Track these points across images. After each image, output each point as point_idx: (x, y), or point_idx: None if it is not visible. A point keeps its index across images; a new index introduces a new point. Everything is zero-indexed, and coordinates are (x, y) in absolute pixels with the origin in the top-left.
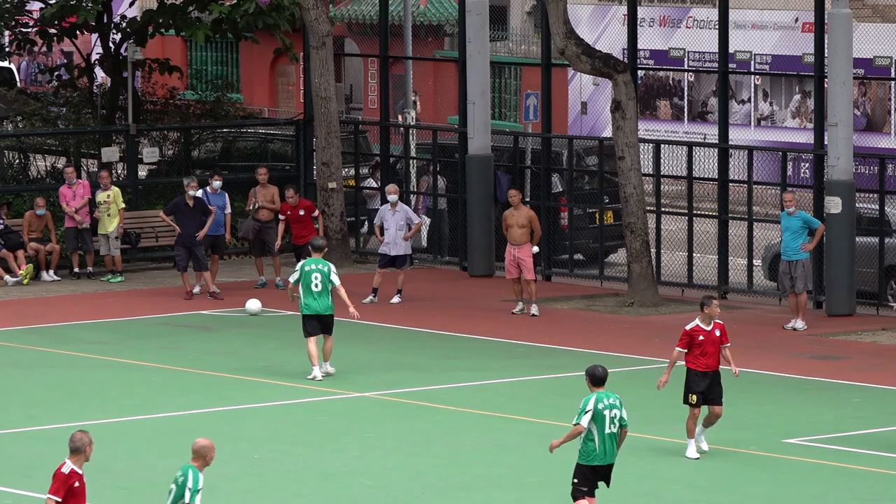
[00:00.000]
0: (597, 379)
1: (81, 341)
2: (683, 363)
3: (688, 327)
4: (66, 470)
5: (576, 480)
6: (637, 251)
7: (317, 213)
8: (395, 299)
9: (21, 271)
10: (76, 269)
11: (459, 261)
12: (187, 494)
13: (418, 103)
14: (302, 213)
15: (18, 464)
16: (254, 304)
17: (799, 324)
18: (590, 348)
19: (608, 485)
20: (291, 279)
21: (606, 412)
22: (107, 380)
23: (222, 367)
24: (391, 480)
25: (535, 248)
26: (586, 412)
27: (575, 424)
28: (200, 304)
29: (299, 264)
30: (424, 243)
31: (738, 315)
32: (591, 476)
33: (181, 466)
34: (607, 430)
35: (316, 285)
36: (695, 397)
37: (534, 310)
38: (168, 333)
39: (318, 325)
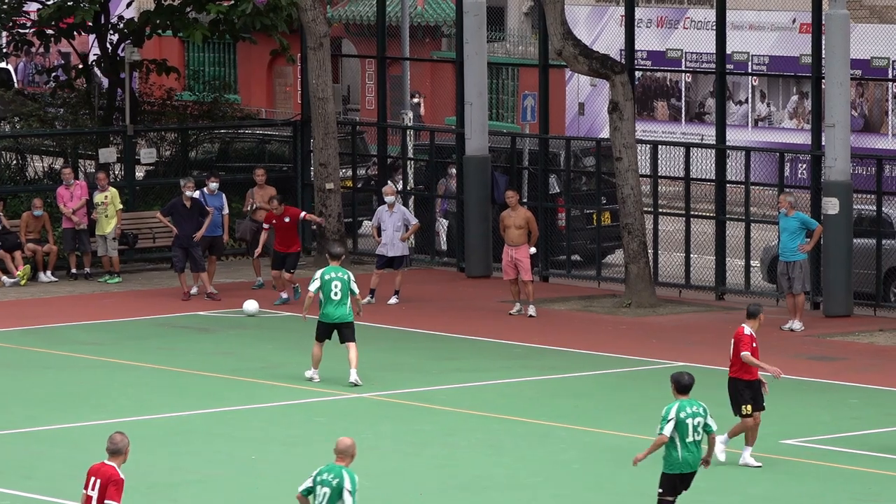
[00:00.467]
0: (682, 387)
1: (79, 342)
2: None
3: (747, 332)
4: (122, 475)
5: (661, 490)
6: (634, 252)
7: (303, 214)
8: (393, 300)
9: (18, 272)
10: (73, 270)
11: (457, 262)
12: (346, 496)
13: (422, 105)
14: (287, 220)
15: (17, 465)
16: (251, 305)
17: (796, 324)
18: (587, 349)
19: (686, 489)
20: (311, 288)
21: (689, 420)
22: (104, 381)
23: (219, 368)
24: (388, 481)
25: (533, 249)
26: (668, 421)
27: (659, 434)
28: (198, 305)
29: (318, 272)
30: (444, 246)
31: (736, 316)
32: (677, 485)
33: (327, 468)
34: (689, 439)
35: (336, 293)
36: (749, 407)
37: (531, 311)
38: (165, 334)
39: (330, 332)
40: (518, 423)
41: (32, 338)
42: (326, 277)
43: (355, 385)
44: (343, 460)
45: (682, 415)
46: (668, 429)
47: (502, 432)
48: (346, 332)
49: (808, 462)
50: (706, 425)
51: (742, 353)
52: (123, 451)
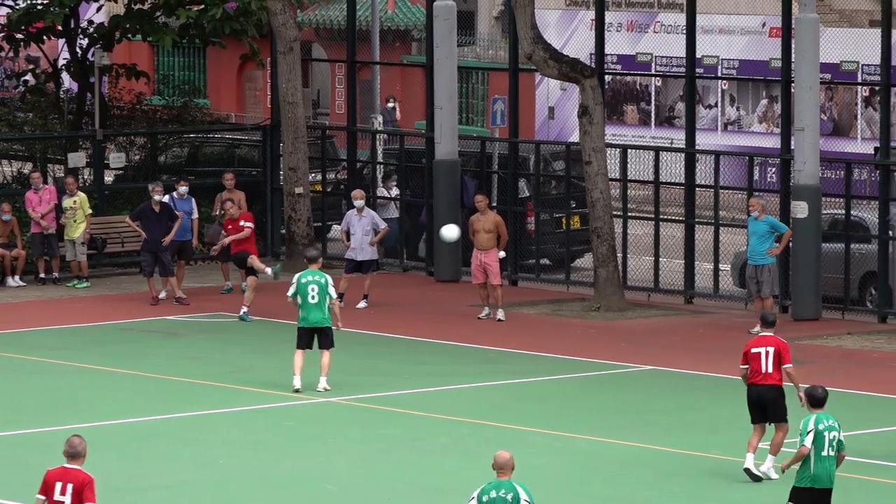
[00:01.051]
0: (816, 400)
1: (47, 347)
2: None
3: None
4: (91, 474)
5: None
6: (603, 256)
7: (251, 225)
8: (362, 304)
9: None
10: (42, 275)
11: (426, 266)
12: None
13: (397, 109)
14: (242, 223)
15: None
16: (451, 232)
17: None
18: (556, 353)
19: None
20: (289, 293)
21: (826, 433)
22: (72, 386)
23: (188, 373)
24: (356, 486)
25: (502, 254)
26: (809, 433)
27: (801, 446)
28: (166, 310)
29: (295, 277)
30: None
31: (705, 320)
32: (806, 499)
33: (493, 485)
34: (825, 453)
35: (312, 297)
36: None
37: (500, 315)
38: (134, 339)
39: (311, 338)
40: (487, 427)
41: None
42: (303, 281)
43: (325, 390)
44: (505, 474)
45: (821, 426)
46: (809, 441)
47: (472, 436)
48: (322, 338)
49: (779, 466)
50: (839, 441)
51: (790, 366)
52: (83, 454)
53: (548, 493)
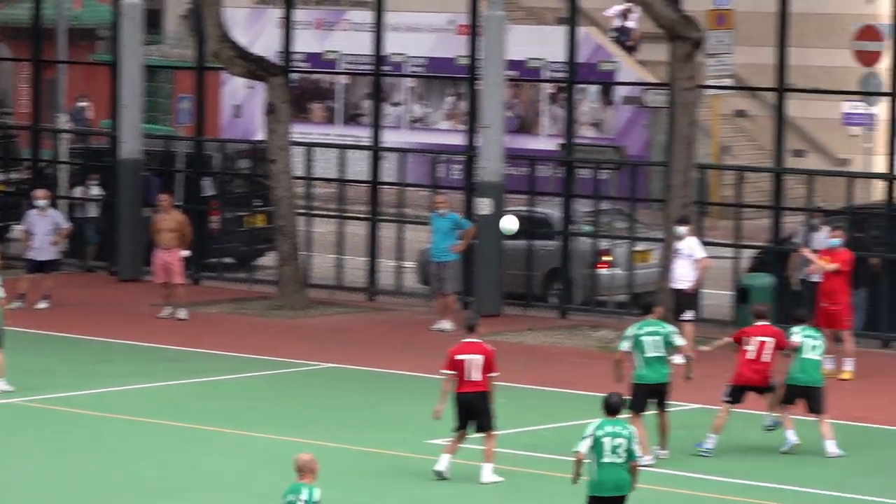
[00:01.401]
0: (606, 406)
1: None
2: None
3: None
4: None
5: None
6: (286, 254)
7: None
8: (42, 304)
9: None
10: None
11: (108, 265)
12: None
13: (91, 108)
14: None
15: None
16: (510, 223)
17: (446, 325)
18: (238, 352)
19: None
20: None
21: (607, 440)
22: None
23: None
24: (28, 488)
25: (186, 252)
26: (584, 438)
27: (575, 452)
28: None
29: None
30: None
31: (387, 317)
32: None
33: (291, 489)
34: (607, 459)
35: None
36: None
37: (181, 314)
38: None
39: None
40: (166, 426)
41: None
42: None
43: (4, 392)
44: (305, 477)
45: (600, 433)
46: (584, 446)
47: (150, 436)
48: None
49: (459, 462)
50: (629, 450)
51: (496, 375)
52: None
53: (220, 490)
